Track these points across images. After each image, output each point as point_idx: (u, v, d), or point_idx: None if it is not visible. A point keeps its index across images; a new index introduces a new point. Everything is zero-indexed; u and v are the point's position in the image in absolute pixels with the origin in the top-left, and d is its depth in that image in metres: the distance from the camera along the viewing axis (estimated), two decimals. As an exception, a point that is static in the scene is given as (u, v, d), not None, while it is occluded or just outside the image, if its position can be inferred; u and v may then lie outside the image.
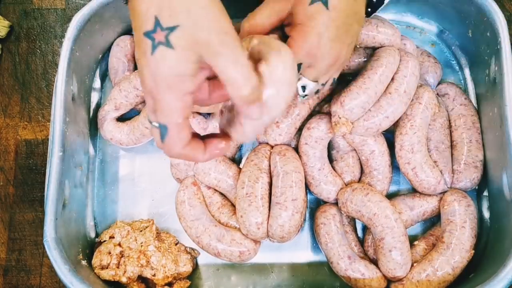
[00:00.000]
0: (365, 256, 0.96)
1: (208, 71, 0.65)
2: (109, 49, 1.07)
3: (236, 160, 1.04)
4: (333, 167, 0.99)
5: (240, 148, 1.04)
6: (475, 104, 1.03)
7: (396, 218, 0.91)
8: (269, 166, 0.97)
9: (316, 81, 0.83)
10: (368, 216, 0.91)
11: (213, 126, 0.99)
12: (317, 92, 0.86)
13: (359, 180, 0.99)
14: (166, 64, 0.61)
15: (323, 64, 0.81)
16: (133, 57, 1.05)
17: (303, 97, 0.85)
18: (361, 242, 0.98)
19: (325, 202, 0.98)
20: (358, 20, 0.82)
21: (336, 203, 0.97)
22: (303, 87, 0.84)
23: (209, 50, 0.60)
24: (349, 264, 0.91)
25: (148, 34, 0.61)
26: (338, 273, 0.92)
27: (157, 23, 0.61)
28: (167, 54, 0.61)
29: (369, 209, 0.91)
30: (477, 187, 0.99)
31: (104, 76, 1.09)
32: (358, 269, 0.91)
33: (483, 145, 0.98)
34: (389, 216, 0.90)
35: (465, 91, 1.05)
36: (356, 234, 0.98)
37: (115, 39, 1.06)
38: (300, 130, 1.00)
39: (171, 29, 0.60)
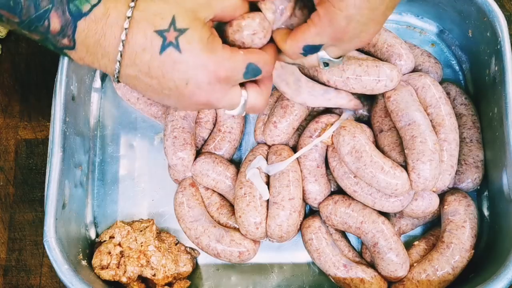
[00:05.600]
0: (361, 259, 0.95)
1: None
2: (109, 49, 1.07)
3: (234, 161, 1.04)
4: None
5: (238, 148, 1.04)
6: (475, 104, 1.03)
7: (383, 220, 0.91)
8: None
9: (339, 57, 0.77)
10: (356, 225, 0.91)
11: None
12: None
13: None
14: (197, 40, 0.64)
15: (349, 47, 0.73)
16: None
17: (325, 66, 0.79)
18: (353, 246, 0.98)
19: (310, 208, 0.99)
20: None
21: (318, 214, 0.96)
22: (325, 63, 0.77)
23: (207, 5, 0.67)
24: (346, 273, 0.91)
25: (164, 47, 0.64)
26: (338, 284, 0.92)
27: (160, 32, 0.63)
28: (188, 36, 0.64)
29: (354, 219, 0.91)
30: (478, 187, 0.99)
31: (104, 76, 1.09)
32: (356, 276, 0.91)
33: (483, 145, 0.98)
34: (376, 220, 0.91)
35: (465, 91, 1.05)
36: (347, 239, 0.98)
37: (115, 39, 1.06)
38: (298, 130, 1.00)
39: (173, 22, 0.63)
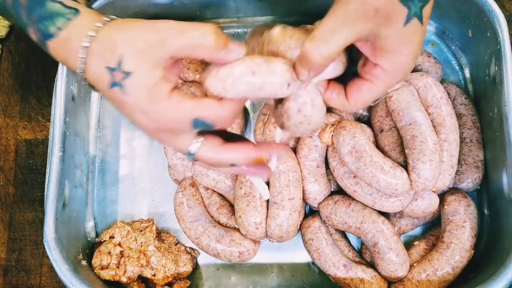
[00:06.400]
0: (361, 259, 0.95)
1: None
2: (109, 49, 1.07)
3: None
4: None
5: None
6: (475, 104, 1.03)
7: (383, 220, 0.91)
8: (268, 166, 0.97)
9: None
10: (356, 225, 0.91)
11: None
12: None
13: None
14: (141, 86, 0.62)
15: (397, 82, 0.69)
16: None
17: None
18: (353, 246, 0.98)
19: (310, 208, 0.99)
20: None
21: (318, 214, 0.96)
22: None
23: (162, 45, 0.63)
24: (346, 273, 0.91)
25: (112, 84, 0.63)
26: (338, 284, 0.92)
27: (110, 69, 0.62)
28: (133, 80, 0.62)
29: (354, 219, 0.91)
30: (478, 187, 0.99)
31: (104, 76, 1.09)
32: (356, 276, 0.91)
33: (483, 145, 0.98)
34: (376, 220, 0.91)
35: (465, 91, 1.05)
36: (347, 239, 0.98)
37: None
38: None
39: (120, 62, 0.62)
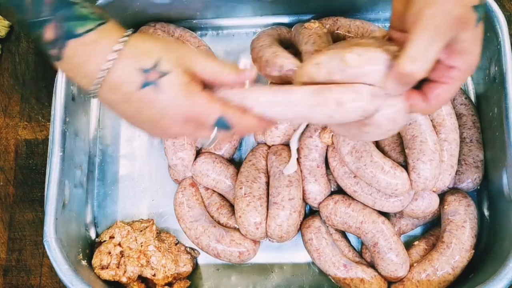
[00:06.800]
0: (361, 259, 0.95)
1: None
2: (109, 49, 1.07)
3: (234, 161, 1.04)
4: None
5: (238, 148, 1.04)
6: (475, 104, 1.03)
7: (383, 220, 0.91)
8: (267, 166, 0.97)
9: None
10: (356, 225, 0.91)
11: None
12: None
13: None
14: (177, 84, 0.67)
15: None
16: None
17: None
18: (353, 246, 0.98)
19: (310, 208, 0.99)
20: None
21: (318, 214, 0.97)
22: None
23: (190, 60, 0.70)
24: (346, 273, 0.91)
25: (145, 84, 0.66)
26: (338, 284, 0.92)
27: (144, 70, 0.66)
28: (169, 78, 0.66)
29: (354, 219, 0.91)
30: (478, 187, 0.99)
31: (104, 76, 1.09)
32: (356, 276, 0.91)
33: (483, 145, 0.98)
34: (376, 220, 0.91)
35: (465, 91, 1.05)
36: (347, 239, 0.98)
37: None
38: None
39: (157, 63, 0.66)
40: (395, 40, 0.73)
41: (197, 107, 0.68)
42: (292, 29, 1.01)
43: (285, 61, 0.90)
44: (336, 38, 0.99)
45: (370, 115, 0.69)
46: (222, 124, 0.70)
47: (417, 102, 0.70)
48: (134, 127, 0.74)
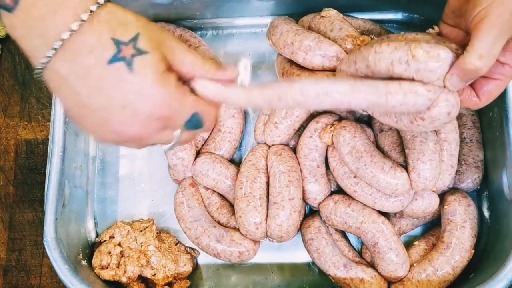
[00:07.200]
0: (361, 259, 0.95)
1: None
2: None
3: (234, 161, 1.04)
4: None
5: (238, 148, 1.04)
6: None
7: (383, 220, 0.91)
8: (267, 166, 0.97)
9: None
10: (356, 225, 0.91)
11: None
12: None
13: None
14: (153, 68, 0.58)
15: None
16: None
17: None
18: (353, 246, 0.98)
19: (310, 208, 0.99)
20: None
21: (318, 214, 0.97)
22: None
23: (170, 47, 0.61)
24: (346, 273, 0.91)
25: (115, 59, 0.56)
26: (338, 284, 0.92)
27: (117, 42, 0.56)
28: (146, 60, 0.57)
29: (354, 219, 0.91)
30: (478, 187, 0.99)
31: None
32: (356, 276, 0.91)
33: (483, 145, 0.98)
34: (376, 220, 0.91)
35: (465, 91, 1.05)
36: (347, 239, 0.98)
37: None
38: (298, 131, 1.00)
39: (135, 38, 0.57)
40: (445, 35, 0.73)
41: (171, 100, 0.59)
42: (300, 21, 1.00)
43: (332, 47, 0.87)
44: None
45: (425, 110, 0.70)
46: (196, 121, 0.63)
47: (469, 97, 0.72)
48: (77, 122, 0.62)
